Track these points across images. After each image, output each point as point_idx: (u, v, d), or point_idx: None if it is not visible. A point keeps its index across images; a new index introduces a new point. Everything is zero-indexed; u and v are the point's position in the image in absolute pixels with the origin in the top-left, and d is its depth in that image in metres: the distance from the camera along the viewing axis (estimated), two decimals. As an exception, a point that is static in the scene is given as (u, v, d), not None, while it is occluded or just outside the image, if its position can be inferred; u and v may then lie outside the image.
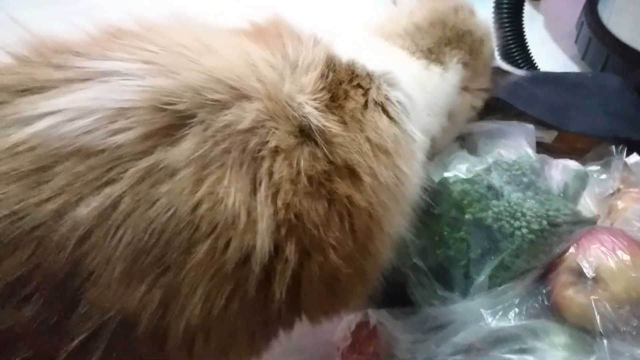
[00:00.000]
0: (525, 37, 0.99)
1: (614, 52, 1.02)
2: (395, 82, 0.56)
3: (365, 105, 0.53)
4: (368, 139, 0.51)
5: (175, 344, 0.45)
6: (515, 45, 0.99)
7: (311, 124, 0.49)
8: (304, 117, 0.49)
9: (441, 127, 0.61)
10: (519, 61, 0.97)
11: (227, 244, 0.44)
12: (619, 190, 0.70)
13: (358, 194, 0.49)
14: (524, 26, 0.99)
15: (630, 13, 1.02)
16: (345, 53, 0.55)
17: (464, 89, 0.64)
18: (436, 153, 0.66)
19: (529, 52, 1.00)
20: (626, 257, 0.55)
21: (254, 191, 0.45)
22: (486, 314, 0.59)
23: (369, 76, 0.54)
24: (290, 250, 0.47)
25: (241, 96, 0.47)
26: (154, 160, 0.43)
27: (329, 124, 0.49)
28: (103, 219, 0.41)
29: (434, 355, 0.62)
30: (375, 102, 0.53)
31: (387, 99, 0.54)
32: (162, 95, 0.44)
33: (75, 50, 0.48)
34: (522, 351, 0.58)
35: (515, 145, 0.62)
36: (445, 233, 0.62)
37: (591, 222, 0.60)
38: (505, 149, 0.61)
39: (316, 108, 0.49)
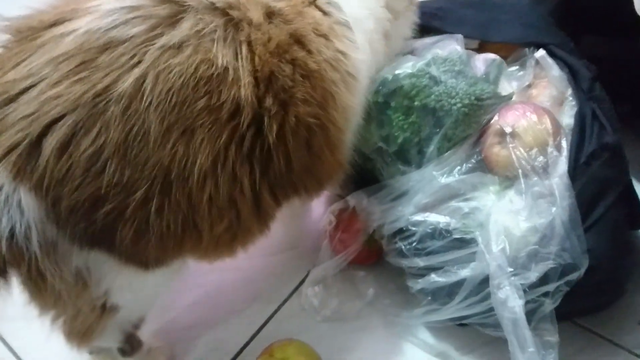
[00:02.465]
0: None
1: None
2: None
3: (303, 3, 0.70)
4: (308, 23, 0.68)
5: (196, 190, 0.61)
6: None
7: (272, 7, 0.66)
8: (266, 3, 0.66)
9: (374, 16, 0.78)
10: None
11: (219, 96, 0.60)
12: (533, 83, 0.90)
13: (310, 60, 0.67)
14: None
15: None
16: None
17: None
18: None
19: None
20: (533, 117, 0.75)
21: (236, 56, 0.62)
22: (437, 174, 0.78)
23: None
24: (269, 101, 0.63)
25: None
26: (165, 40, 0.59)
27: (282, 6, 0.67)
28: (137, 90, 0.57)
29: (401, 216, 0.81)
30: (309, 2, 0.71)
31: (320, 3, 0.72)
32: None
33: None
34: (466, 200, 0.78)
35: (447, 45, 0.80)
36: (401, 120, 0.80)
37: (508, 98, 0.79)
38: (440, 48, 0.80)
39: None
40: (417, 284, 0.81)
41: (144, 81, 0.58)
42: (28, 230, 0.56)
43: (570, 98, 0.83)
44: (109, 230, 0.59)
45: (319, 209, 0.97)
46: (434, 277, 0.78)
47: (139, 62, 0.58)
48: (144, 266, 0.65)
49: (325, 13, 0.72)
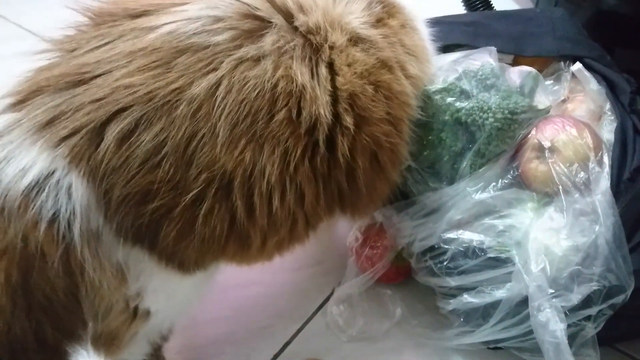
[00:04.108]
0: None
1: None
2: (414, 15, 0.76)
3: (403, 26, 0.72)
4: (403, 45, 0.70)
5: (259, 200, 0.61)
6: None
7: (359, 34, 0.66)
8: (353, 30, 0.66)
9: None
10: (481, 8, 1.13)
11: (299, 112, 0.61)
12: (568, 97, 0.87)
13: (395, 82, 0.68)
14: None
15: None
16: None
17: None
18: None
19: (491, 3, 1.17)
20: (573, 130, 0.72)
21: (312, 76, 0.62)
22: (471, 190, 0.75)
23: (402, 9, 0.74)
24: (348, 120, 0.63)
25: (302, 10, 0.64)
26: (243, 53, 0.59)
27: (372, 34, 0.67)
28: (209, 95, 0.58)
29: (433, 233, 0.78)
30: (409, 25, 0.74)
31: (413, 25, 0.75)
32: (246, 6, 0.61)
33: None
34: (502, 217, 0.74)
35: (480, 58, 0.78)
36: (430, 136, 0.77)
37: (545, 112, 0.76)
38: (472, 61, 0.77)
39: (362, 24, 0.67)
40: (449, 305, 0.77)
41: (217, 88, 0.58)
42: (72, 217, 0.56)
43: (609, 112, 0.80)
44: (154, 227, 0.58)
45: (345, 223, 0.95)
46: (467, 298, 0.74)
47: (215, 69, 0.58)
48: (181, 268, 0.64)
49: (419, 37, 0.75)
